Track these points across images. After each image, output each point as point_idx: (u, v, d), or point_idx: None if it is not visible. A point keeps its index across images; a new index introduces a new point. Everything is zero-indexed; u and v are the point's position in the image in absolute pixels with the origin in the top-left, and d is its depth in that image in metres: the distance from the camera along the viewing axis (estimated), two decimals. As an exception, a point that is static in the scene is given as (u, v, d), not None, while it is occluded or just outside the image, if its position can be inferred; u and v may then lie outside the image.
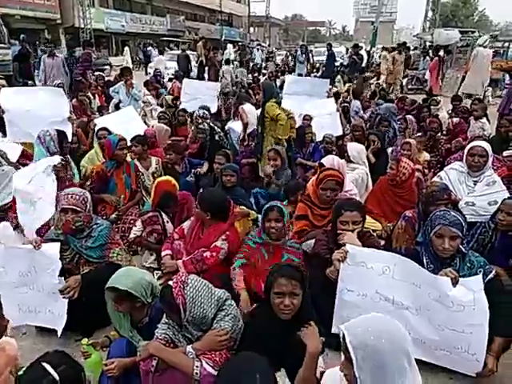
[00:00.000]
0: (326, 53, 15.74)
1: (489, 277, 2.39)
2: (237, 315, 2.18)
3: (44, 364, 1.54)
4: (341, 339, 1.43)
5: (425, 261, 2.50)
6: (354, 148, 4.68)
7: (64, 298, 2.62)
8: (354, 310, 2.40)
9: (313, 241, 3.30)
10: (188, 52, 15.86)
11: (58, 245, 2.72)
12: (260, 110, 5.34)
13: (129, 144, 5.17)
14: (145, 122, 7.01)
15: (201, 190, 4.37)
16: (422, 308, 2.32)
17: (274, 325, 2.05)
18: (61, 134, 4.24)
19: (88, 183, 4.22)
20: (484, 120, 6.44)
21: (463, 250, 2.45)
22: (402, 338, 1.40)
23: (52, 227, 2.92)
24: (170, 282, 2.08)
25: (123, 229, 3.99)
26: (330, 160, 4.00)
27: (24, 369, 1.59)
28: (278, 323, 2.05)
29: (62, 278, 2.67)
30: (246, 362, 1.58)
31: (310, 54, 16.71)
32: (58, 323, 2.67)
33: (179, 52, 15.87)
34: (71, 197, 2.77)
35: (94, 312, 2.59)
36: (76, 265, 2.84)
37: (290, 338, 1.97)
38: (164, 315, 2.17)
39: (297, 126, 5.89)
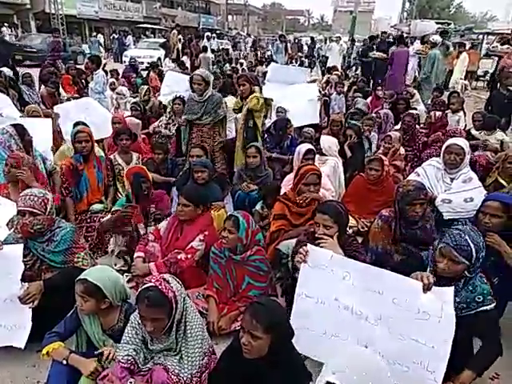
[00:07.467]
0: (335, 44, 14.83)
1: (486, 308, 2.20)
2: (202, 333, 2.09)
3: None
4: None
5: (428, 270, 2.35)
6: (327, 141, 4.80)
7: (24, 305, 2.44)
8: (311, 319, 2.28)
9: (289, 241, 3.23)
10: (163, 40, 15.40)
11: (21, 246, 2.53)
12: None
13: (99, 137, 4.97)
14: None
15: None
16: (383, 317, 2.18)
17: (244, 363, 1.90)
18: (19, 129, 3.84)
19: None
20: (461, 113, 6.48)
21: (467, 274, 2.23)
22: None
23: (11, 230, 2.72)
24: (149, 284, 1.95)
25: (93, 228, 3.82)
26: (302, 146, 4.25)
27: None
28: (247, 362, 1.89)
29: (26, 284, 2.49)
30: None
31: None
32: (15, 338, 2.48)
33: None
34: (29, 198, 2.57)
35: (56, 320, 2.42)
36: (38, 271, 2.65)
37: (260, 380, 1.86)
38: (127, 332, 2.03)
39: (273, 119, 5.74)
